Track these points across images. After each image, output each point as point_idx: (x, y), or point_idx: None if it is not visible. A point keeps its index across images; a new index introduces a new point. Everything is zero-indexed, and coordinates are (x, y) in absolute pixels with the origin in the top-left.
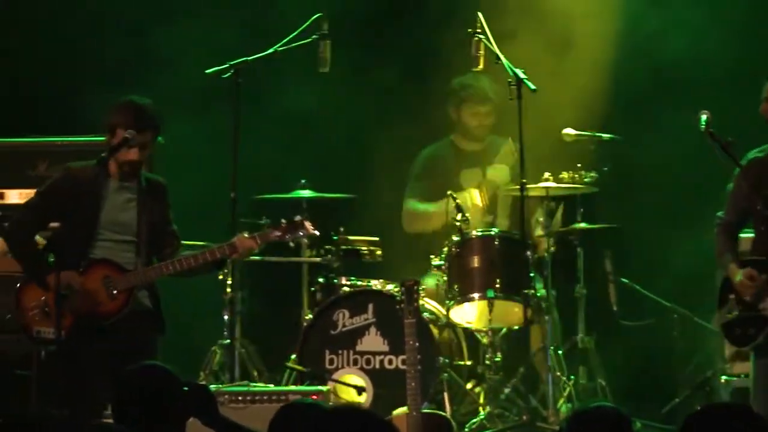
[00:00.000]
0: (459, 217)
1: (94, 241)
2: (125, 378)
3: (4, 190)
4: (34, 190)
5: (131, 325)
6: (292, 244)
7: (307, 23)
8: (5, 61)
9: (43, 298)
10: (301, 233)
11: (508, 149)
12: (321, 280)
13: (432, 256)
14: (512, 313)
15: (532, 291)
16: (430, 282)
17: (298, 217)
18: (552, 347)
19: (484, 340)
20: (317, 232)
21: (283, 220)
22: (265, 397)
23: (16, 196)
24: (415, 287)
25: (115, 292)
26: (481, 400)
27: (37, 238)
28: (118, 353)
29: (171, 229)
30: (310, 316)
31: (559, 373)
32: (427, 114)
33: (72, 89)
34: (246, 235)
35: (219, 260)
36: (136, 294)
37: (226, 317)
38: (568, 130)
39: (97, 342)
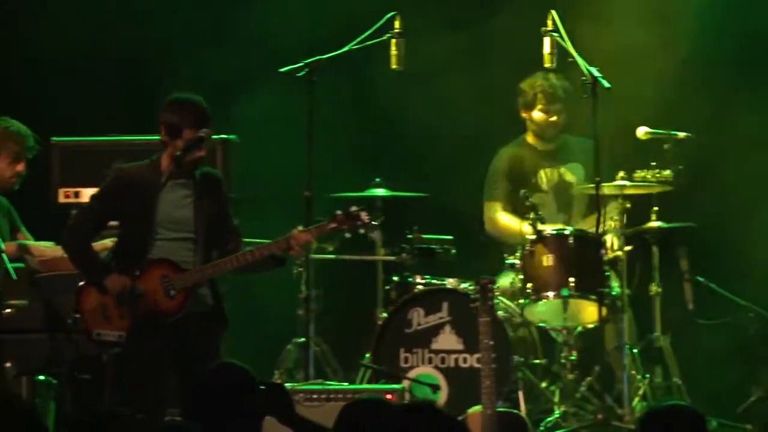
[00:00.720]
0: (533, 216)
1: (152, 240)
2: (202, 377)
3: (80, 189)
4: None
5: (192, 324)
6: (348, 236)
7: (381, 21)
8: (81, 60)
9: (100, 300)
10: (358, 224)
11: (588, 147)
12: (396, 278)
13: (506, 255)
14: (587, 311)
15: (607, 289)
16: (504, 280)
17: (353, 208)
18: (627, 346)
19: (559, 339)
20: (374, 223)
21: (339, 212)
22: (339, 396)
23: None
24: (490, 285)
25: (173, 292)
26: (556, 399)
27: (106, 242)
28: (181, 352)
29: (231, 225)
30: (385, 314)
31: (634, 372)
32: (499, 112)
33: (148, 87)
34: (301, 229)
35: (278, 257)
36: (196, 292)
37: (300, 315)
38: (643, 129)
39: (158, 342)
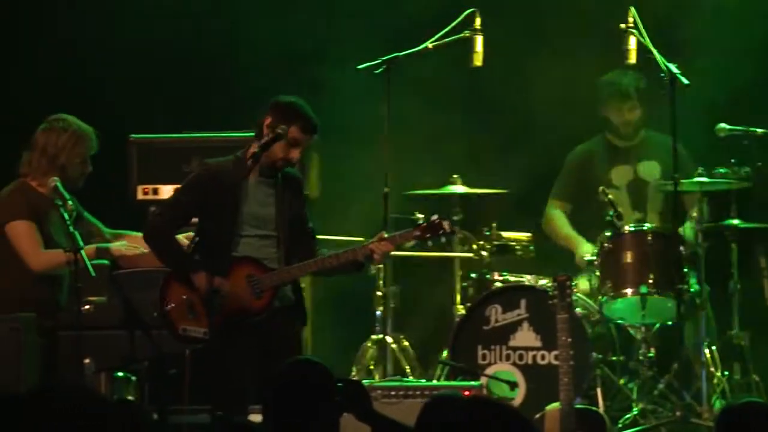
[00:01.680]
0: (611, 212)
1: (237, 237)
2: (281, 374)
3: (158, 186)
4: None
5: (277, 321)
6: (430, 244)
7: (460, 18)
8: (158, 58)
9: (186, 296)
10: (440, 233)
11: (667, 144)
12: (473, 275)
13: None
14: (665, 308)
15: (686, 286)
16: (583, 277)
17: (435, 217)
18: (706, 343)
19: (638, 336)
20: (455, 231)
21: (421, 221)
22: (417, 393)
23: (170, 192)
24: (568, 282)
25: (260, 291)
26: (635, 396)
27: (180, 237)
28: (266, 349)
29: (308, 227)
30: (463, 311)
31: (713, 369)
32: (580, 109)
33: (226, 85)
34: (385, 235)
35: (358, 263)
36: (280, 290)
37: (378, 312)
38: (722, 125)
39: (243, 339)
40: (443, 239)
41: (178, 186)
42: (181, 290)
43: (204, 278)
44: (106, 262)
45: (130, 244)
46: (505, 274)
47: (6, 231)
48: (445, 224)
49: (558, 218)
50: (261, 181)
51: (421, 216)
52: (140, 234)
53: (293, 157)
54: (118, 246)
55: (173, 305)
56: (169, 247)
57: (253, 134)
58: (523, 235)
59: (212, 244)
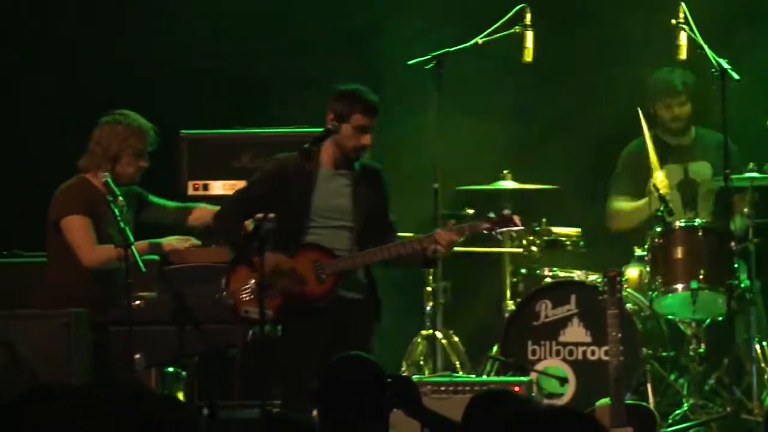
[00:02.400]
0: (662, 207)
1: (306, 229)
2: (330, 368)
3: (209, 182)
4: (239, 182)
5: (349, 311)
6: (499, 237)
7: (510, 14)
8: (207, 54)
9: (253, 280)
10: (510, 227)
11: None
12: (523, 270)
13: (635, 247)
14: (716, 303)
15: (736, 282)
16: (633, 273)
17: (507, 211)
18: (756, 338)
19: (688, 331)
20: (524, 227)
21: (491, 214)
22: (467, 388)
23: (220, 188)
24: (618, 278)
25: (323, 276)
26: (685, 392)
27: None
28: (333, 340)
29: (388, 219)
30: (513, 306)
31: (763, 365)
32: (630, 106)
33: (276, 80)
34: (453, 224)
35: (429, 259)
36: (352, 279)
37: (428, 308)
38: None
39: (308, 325)
40: (513, 234)
41: (237, 181)
42: (246, 273)
43: (269, 258)
44: (156, 257)
45: (181, 237)
46: (555, 269)
47: (61, 226)
48: (516, 218)
49: (621, 205)
50: (336, 173)
51: (471, 211)
52: (206, 205)
53: (365, 143)
54: (169, 241)
55: (238, 286)
56: (232, 235)
57: (301, 130)
58: (573, 231)
59: (283, 236)
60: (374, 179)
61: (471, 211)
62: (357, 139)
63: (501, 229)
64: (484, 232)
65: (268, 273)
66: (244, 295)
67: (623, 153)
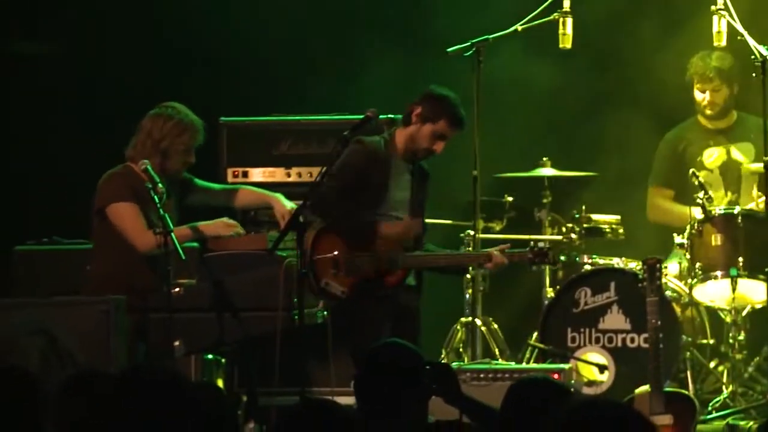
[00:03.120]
0: (702, 195)
1: (378, 215)
2: (370, 355)
3: (248, 169)
4: (277, 169)
5: (402, 297)
6: (534, 268)
7: (549, 0)
8: (248, 43)
9: (336, 252)
10: (546, 261)
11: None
12: (563, 258)
13: (675, 234)
14: (756, 291)
15: None
16: (672, 260)
17: (542, 245)
18: None
19: (728, 319)
20: (557, 264)
21: (537, 246)
22: (506, 375)
23: (259, 175)
24: (658, 265)
25: (396, 266)
26: (725, 379)
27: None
28: (394, 321)
29: (424, 217)
30: (552, 294)
31: None
32: (668, 93)
33: (316, 68)
34: (506, 249)
35: (464, 268)
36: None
37: (467, 295)
38: None
39: (377, 306)
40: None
41: (276, 168)
42: (332, 245)
43: (390, 224)
44: (195, 244)
45: (228, 222)
46: (594, 256)
47: (107, 213)
48: (551, 255)
49: (664, 203)
50: (402, 165)
51: (510, 198)
52: (251, 188)
53: (437, 149)
54: (215, 224)
55: (321, 257)
56: (345, 214)
57: (360, 117)
58: (613, 218)
59: (363, 216)
60: (424, 179)
61: (510, 199)
62: (431, 143)
63: (539, 261)
64: (527, 261)
65: (351, 252)
66: (326, 267)
67: (662, 141)
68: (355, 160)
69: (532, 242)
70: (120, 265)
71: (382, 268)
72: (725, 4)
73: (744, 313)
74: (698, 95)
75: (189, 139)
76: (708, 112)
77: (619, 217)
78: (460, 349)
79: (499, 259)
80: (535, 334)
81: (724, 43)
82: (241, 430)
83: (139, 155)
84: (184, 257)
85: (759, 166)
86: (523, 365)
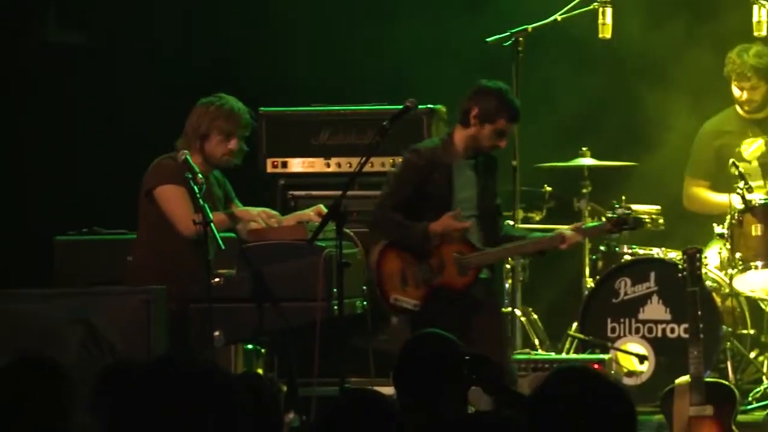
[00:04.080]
0: (742, 184)
1: None
2: (408, 345)
3: (288, 159)
4: (317, 159)
5: (477, 291)
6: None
7: None
8: (283, 35)
9: (403, 267)
10: (625, 227)
11: None
12: (602, 248)
13: (715, 224)
14: None
15: None
16: (712, 250)
17: (621, 211)
18: None
19: None
20: (640, 225)
21: (611, 214)
22: (546, 365)
23: (299, 165)
24: (698, 255)
25: (467, 269)
26: (765, 369)
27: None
28: (465, 318)
29: (497, 204)
30: (592, 284)
31: None
32: (708, 82)
33: (358, 58)
34: (579, 226)
35: (543, 252)
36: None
37: (507, 285)
38: None
39: (449, 311)
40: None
41: (315, 159)
42: (396, 261)
43: (437, 223)
44: (233, 235)
45: (267, 211)
46: (634, 246)
47: (155, 195)
48: (631, 221)
49: (701, 193)
50: (463, 163)
51: (549, 189)
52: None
53: (501, 146)
54: (257, 213)
55: (388, 273)
56: (400, 233)
57: (400, 107)
58: (653, 208)
59: (421, 221)
60: (491, 166)
61: (549, 189)
62: (495, 141)
63: (619, 230)
64: (605, 233)
65: (418, 262)
66: (393, 282)
67: (699, 132)
68: (413, 173)
69: (609, 212)
70: (163, 254)
71: (450, 274)
72: None
73: None
74: (736, 91)
75: (225, 123)
76: (746, 108)
77: (659, 207)
78: None
79: (573, 238)
80: (574, 325)
81: (764, 32)
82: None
83: (184, 145)
84: (223, 247)
85: None
86: (563, 356)
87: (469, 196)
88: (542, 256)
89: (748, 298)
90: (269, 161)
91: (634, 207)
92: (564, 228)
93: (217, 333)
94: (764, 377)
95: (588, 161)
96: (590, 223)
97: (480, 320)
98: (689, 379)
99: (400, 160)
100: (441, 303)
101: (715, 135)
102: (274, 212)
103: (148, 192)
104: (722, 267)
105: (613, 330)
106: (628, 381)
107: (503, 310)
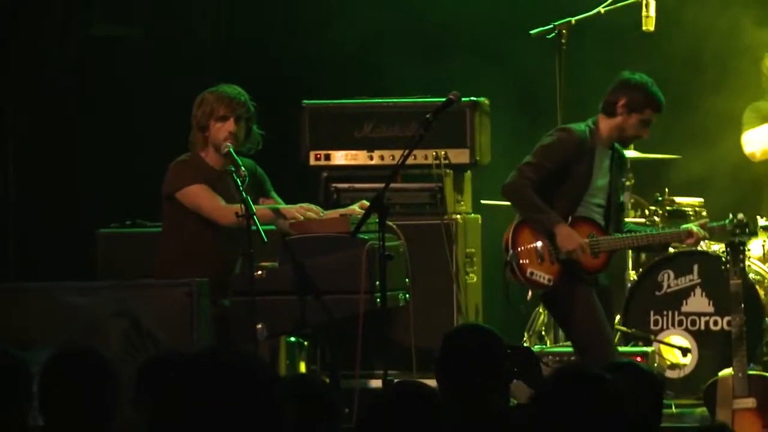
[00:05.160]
0: None
1: (582, 202)
2: (450, 337)
3: (330, 151)
4: (360, 152)
5: (600, 278)
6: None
7: None
8: (332, 26)
9: (539, 242)
10: (746, 233)
11: None
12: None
13: (758, 216)
14: None
15: None
16: (756, 242)
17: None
18: None
19: None
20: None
21: (735, 219)
22: None
23: (342, 158)
24: (741, 248)
25: (598, 251)
26: None
27: (354, 207)
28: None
29: (621, 201)
30: (635, 277)
31: None
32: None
33: (397, 49)
34: (706, 224)
35: (667, 244)
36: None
37: None
38: None
39: (588, 287)
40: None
41: (358, 151)
42: (532, 236)
43: (568, 238)
44: (272, 227)
45: (304, 206)
46: None
47: (179, 198)
48: (751, 226)
49: (763, 131)
50: (603, 153)
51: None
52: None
53: (645, 136)
54: (294, 209)
55: (524, 248)
56: (532, 206)
57: (443, 100)
58: (696, 201)
59: (557, 200)
60: (623, 162)
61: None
62: (639, 131)
63: (740, 234)
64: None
65: (551, 240)
66: (529, 257)
67: (748, 108)
68: (564, 148)
69: (730, 214)
70: (184, 253)
71: (584, 254)
72: None
73: None
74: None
75: (218, 108)
76: None
77: (702, 200)
78: (543, 333)
79: (699, 234)
80: (617, 317)
81: None
82: None
83: (193, 146)
84: (266, 240)
85: None
86: None
87: (603, 185)
88: (666, 250)
89: None
90: (312, 154)
91: (678, 200)
92: (690, 225)
93: (259, 326)
94: None
95: (631, 153)
96: (714, 222)
97: (607, 307)
98: (732, 372)
99: (548, 135)
100: (578, 282)
101: (762, 111)
102: (315, 207)
103: (168, 196)
104: (766, 259)
105: (656, 323)
106: (670, 374)
107: None
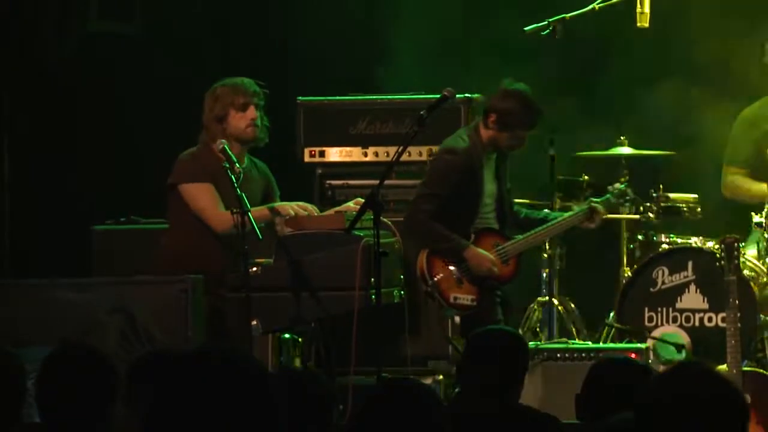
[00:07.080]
0: None
1: (477, 213)
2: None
3: (325, 148)
4: (355, 148)
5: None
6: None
7: None
8: (324, 23)
9: (452, 267)
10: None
11: None
12: (640, 237)
13: (753, 213)
14: None
15: None
16: (751, 239)
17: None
18: None
19: None
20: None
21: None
22: (583, 355)
23: (336, 154)
24: (736, 244)
25: (507, 259)
26: None
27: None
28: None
29: (508, 187)
30: (629, 273)
31: None
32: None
33: (391, 48)
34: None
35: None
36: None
37: (544, 275)
38: None
39: (498, 301)
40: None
41: (353, 148)
42: (445, 263)
43: (477, 254)
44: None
45: (301, 204)
46: (672, 235)
47: (180, 191)
48: (630, 193)
49: (739, 180)
50: (487, 158)
51: (587, 178)
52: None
53: (518, 148)
54: (288, 208)
55: (441, 277)
56: (436, 237)
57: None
58: (691, 197)
59: (454, 219)
60: (503, 158)
61: (587, 178)
62: (513, 145)
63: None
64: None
65: (463, 262)
66: (447, 284)
67: (738, 119)
68: (454, 172)
69: (609, 186)
70: (191, 246)
71: (500, 265)
72: None
73: None
74: None
75: (236, 97)
76: None
77: (696, 196)
78: (537, 329)
79: (602, 210)
80: (612, 314)
81: None
82: None
83: (206, 135)
84: (261, 237)
85: None
86: (600, 345)
87: (492, 190)
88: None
89: None
90: (306, 150)
91: (672, 195)
92: (588, 203)
93: (254, 322)
94: None
95: (626, 150)
96: (598, 199)
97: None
98: (727, 369)
99: (435, 159)
100: (490, 296)
101: (754, 123)
102: (311, 206)
103: (172, 186)
104: (760, 256)
105: (651, 319)
106: (665, 370)
107: (541, 299)
